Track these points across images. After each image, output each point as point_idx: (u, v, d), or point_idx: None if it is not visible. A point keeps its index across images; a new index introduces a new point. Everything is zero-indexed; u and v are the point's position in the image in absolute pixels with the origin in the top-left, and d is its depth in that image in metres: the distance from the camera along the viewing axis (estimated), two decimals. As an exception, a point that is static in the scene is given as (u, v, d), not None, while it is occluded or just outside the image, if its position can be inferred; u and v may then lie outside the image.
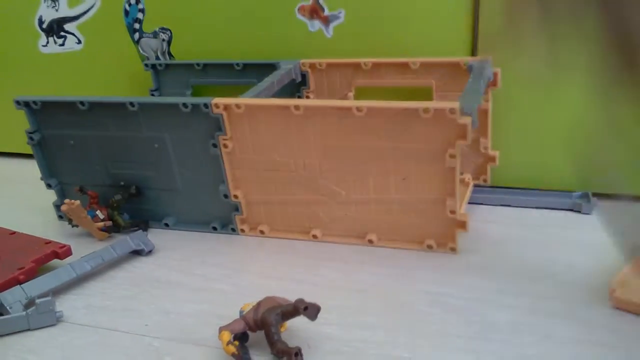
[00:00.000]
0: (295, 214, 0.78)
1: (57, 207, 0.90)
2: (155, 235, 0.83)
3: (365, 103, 0.68)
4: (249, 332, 0.58)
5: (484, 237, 0.76)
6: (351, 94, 0.90)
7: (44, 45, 1.09)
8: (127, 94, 1.06)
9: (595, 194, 0.83)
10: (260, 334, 0.57)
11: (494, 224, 0.80)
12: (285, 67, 0.88)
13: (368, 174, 0.72)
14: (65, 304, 0.69)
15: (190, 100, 0.75)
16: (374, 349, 0.58)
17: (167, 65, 0.99)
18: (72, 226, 0.83)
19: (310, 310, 0.56)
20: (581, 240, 0.74)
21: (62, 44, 1.07)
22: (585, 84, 0.52)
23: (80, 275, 0.72)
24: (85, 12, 1.04)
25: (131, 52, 1.03)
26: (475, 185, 0.87)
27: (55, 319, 0.65)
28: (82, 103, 0.79)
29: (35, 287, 0.68)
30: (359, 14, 0.87)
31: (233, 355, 0.55)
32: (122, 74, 1.06)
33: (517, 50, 0.51)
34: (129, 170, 0.83)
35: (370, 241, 0.76)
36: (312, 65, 0.90)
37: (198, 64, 0.96)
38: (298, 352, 0.54)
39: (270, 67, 0.90)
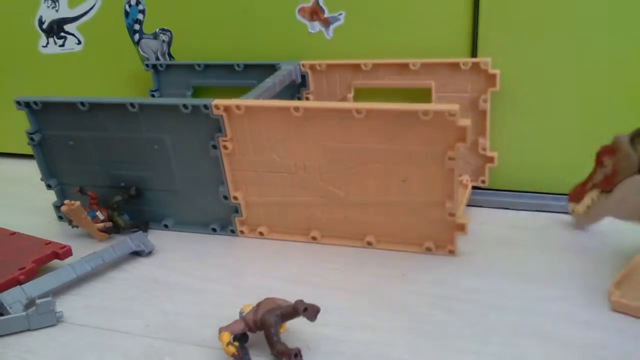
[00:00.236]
0: (294, 216, 0.79)
1: (57, 207, 0.90)
2: (155, 236, 0.83)
3: (365, 105, 0.68)
4: (248, 333, 0.58)
5: (483, 239, 0.76)
6: (351, 95, 0.90)
7: (44, 46, 1.09)
8: (127, 94, 1.06)
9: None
10: (260, 334, 0.57)
11: (493, 227, 0.80)
12: (286, 68, 0.88)
13: (367, 176, 0.72)
14: (65, 305, 0.69)
15: (191, 101, 0.75)
16: (373, 350, 0.58)
17: (168, 66, 0.99)
18: (72, 227, 0.83)
19: (310, 312, 0.56)
20: (580, 243, 0.74)
21: (62, 45, 1.07)
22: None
23: (80, 275, 0.72)
24: (85, 13, 1.04)
25: (131, 53, 1.03)
26: (474, 187, 0.88)
27: (55, 320, 0.65)
28: (82, 104, 0.79)
29: (35, 287, 0.68)
30: (359, 15, 0.87)
31: (233, 355, 0.55)
32: (122, 75, 1.06)
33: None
34: (129, 171, 0.83)
35: (370, 243, 0.76)
36: (312, 67, 0.90)
37: (199, 65, 0.96)
38: (297, 353, 0.54)
39: (271, 68, 0.90)
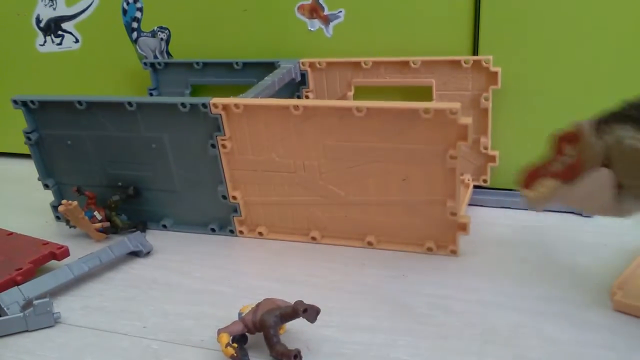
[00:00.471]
0: (294, 215, 0.78)
1: (55, 207, 0.89)
2: (153, 237, 0.83)
3: (365, 103, 0.68)
4: (247, 334, 0.58)
5: (485, 239, 0.76)
6: (350, 94, 0.89)
7: (41, 45, 1.08)
8: (125, 93, 1.06)
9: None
10: (259, 336, 0.57)
11: (495, 226, 0.79)
12: (285, 66, 0.87)
13: (368, 175, 0.72)
14: (62, 305, 0.69)
15: (189, 100, 0.75)
16: (373, 351, 0.57)
17: (166, 64, 0.98)
18: (70, 227, 0.83)
19: (310, 313, 0.55)
20: (582, 243, 0.74)
21: (60, 43, 1.07)
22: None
23: (78, 276, 0.72)
24: (83, 11, 1.03)
25: (129, 51, 1.03)
26: (476, 187, 0.87)
27: (52, 320, 0.65)
28: (79, 103, 0.79)
29: (32, 288, 0.67)
30: (359, 13, 0.87)
31: (232, 357, 0.55)
32: (120, 74, 1.05)
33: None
34: (127, 171, 0.82)
35: (370, 243, 0.75)
36: (311, 65, 0.90)
37: (197, 63, 0.96)
38: (297, 355, 0.54)
39: (270, 66, 0.89)
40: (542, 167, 0.63)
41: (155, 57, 1.02)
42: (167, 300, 0.68)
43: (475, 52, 0.82)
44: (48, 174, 0.87)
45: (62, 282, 0.70)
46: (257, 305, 0.58)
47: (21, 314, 0.64)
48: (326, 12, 0.89)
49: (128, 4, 0.99)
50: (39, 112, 0.82)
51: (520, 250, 0.73)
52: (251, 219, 0.81)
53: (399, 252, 0.74)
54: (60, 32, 1.06)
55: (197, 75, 0.97)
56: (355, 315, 0.63)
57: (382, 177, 0.71)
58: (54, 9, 1.04)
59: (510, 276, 0.67)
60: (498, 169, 0.86)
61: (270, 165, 0.75)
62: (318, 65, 0.89)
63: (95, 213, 0.81)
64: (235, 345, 0.56)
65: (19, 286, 0.67)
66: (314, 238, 0.78)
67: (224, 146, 0.75)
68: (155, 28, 1.00)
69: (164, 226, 0.84)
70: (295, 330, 0.60)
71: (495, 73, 0.80)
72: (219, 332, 0.56)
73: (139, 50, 1.02)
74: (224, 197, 0.79)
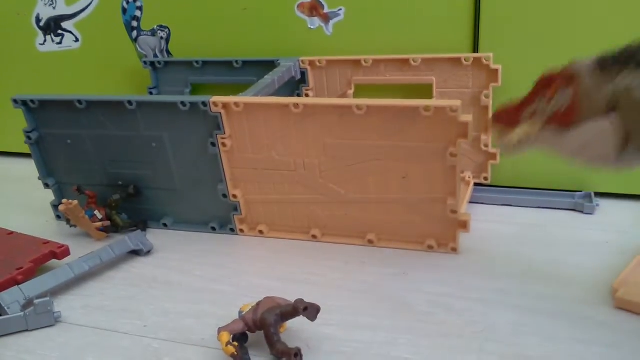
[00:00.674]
0: (294, 214, 0.78)
1: (55, 207, 0.89)
2: (154, 236, 0.82)
3: (365, 101, 0.67)
4: (248, 332, 0.58)
5: (485, 237, 0.75)
6: (351, 92, 0.89)
7: (41, 44, 1.08)
8: (125, 92, 1.06)
9: (597, 194, 0.83)
10: (260, 334, 0.57)
11: (495, 224, 0.79)
12: (285, 64, 0.87)
13: (368, 173, 0.72)
14: (63, 305, 0.68)
15: (189, 98, 0.74)
16: (374, 349, 0.57)
17: (166, 63, 0.98)
18: (70, 226, 0.83)
19: (310, 311, 0.55)
20: (583, 241, 0.73)
21: (60, 42, 1.07)
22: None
23: (78, 275, 0.72)
24: (82, 10, 1.03)
25: (129, 50, 1.03)
26: (476, 184, 0.87)
27: (53, 320, 0.65)
28: (79, 102, 0.79)
29: (33, 287, 0.67)
30: (359, 11, 0.87)
31: (232, 355, 0.55)
32: (120, 72, 1.05)
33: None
34: (127, 170, 0.82)
35: (370, 241, 0.75)
36: (311, 63, 0.90)
37: (197, 62, 0.96)
38: (298, 353, 0.54)
39: (270, 65, 0.89)
40: (522, 104, 0.55)
41: (155, 55, 1.02)
42: (168, 299, 0.68)
43: (475, 49, 0.82)
44: (48, 173, 0.87)
45: (63, 281, 0.70)
46: (258, 304, 0.58)
47: (22, 313, 0.64)
48: (326, 10, 0.88)
49: (128, 2, 0.99)
50: (39, 111, 0.82)
51: (521, 248, 0.73)
52: (251, 218, 0.81)
53: (400, 250, 0.74)
54: (60, 31, 1.06)
55: (197, 74, 0.97)
56: (355, 313, 0.63)
57: (382, 175, 0.71)
58: (54, 8, 1.04)
59: (511, 274, 0.67)
60: (499, 166, 0.86)
61: (270, 164, 0.75)
62: (318, 64, 0.89)
63: (96, 212, 0.81)
64: (235, 343, 0.56)
65: (20, 285, 0.67)
66: (314, 236, 0.78)
67: (224, 145, 0.75)
68: (155, 27, 1.00)
69: (165, 225, 0.84)
70: (296, 329, 0.60)
71: (496, 70, 0.80)
72: (220, 330, 0.56)
73: (139, 49, 1.02)
74: (225, 196, 0.79)
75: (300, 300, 0.55)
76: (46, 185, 0.87)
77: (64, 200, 0.77)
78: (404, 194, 0.71)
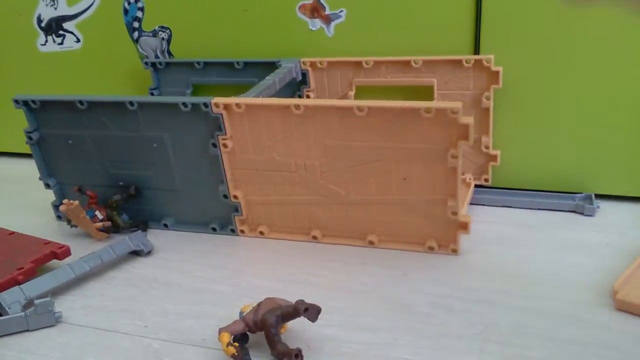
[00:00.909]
0: (295, 215, 0.78)
1: (56, 207, 0.89)
2: (155, 236, 0.83)
3: (366, 103, 0.67)
4: (248, 333, 0.58)
5: (486, 238, 0.76)
6: (352, 93, 0.89)
7: (42, 44, 1.09)
8: (126, 93, 1.06)
9: (598, 196, 0.83)
10: (260, 335, 0.57)
11: (496, 225, 0.79)
12: (286, 65, 0.87)
13: (369, 174, 0.72)
14: (64, 305, 0.69)
15: (190, 99, 0.75)
16: (374, 350, 0.57)
17: (167, 64, 0.98)
18: (71, 226, 0.83)
19: (311, 312, 0.55)
20: (584, 242, 0.73)
21: (61, 43, 1.07)
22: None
23: (79, 275, 0.72)
24: (84, 11, 1.03)
25: (130, 51, 1.03)
26: (477, 186, 0.87)
27: (54, 320, 0.65)
28: (81, 102, 0.79)
29: (34, 287, 0.67)
30: (360, 12, 0.87)
31: (233, 356, 0.55)
32: (121, 73, 1.05)
33: None
34: (128, 170, 0.82)
35: (371, 242, 0.75)
36: (312, 64, 0.90)
37: (198, 63, 0.96)
38: (298, 354, 0.54)
39: (271, 66, 0.89)
40: None
41: (157, 56, 1.02)
42: (168, 300, 0.68)
43: (476, 51, 0.82)
44: (49, 174, 0.87)
45: (63, 281, 0.70)
46: (258, 305, 0.58)
47: (22, 314, 0.64)
48: (327, 12, 0.88)
49: (129, 3, 0.99)
50: (40, 111, 0.82)
51: (522, 250, 0.73)
52: (252, 219, 0.81)
53: (400, 251, 0.74)
54: (61, 32, 1.06)
55: (198, 75, 0.97)
56: (356, 314, 0.63)
57: (383, 176, 0.71)
58: (55, 8, 1.04)
59: (511, 275, 0.67)
60: (499, 168, 0.86)
61: (271, 165, 0.75)
62: (319, 65, 0.89)
63: (97, 212, 0.82)
64: (236, 344, 0.56)
65: (20, 285, 0.67)
66: (315, 237, 0.78)
67: (225, 145, 0.75)
68: (157, 28, 1.00)
69: (165, 225, 0.84)
70: (297, 330, 0.60)
71: (497, 72, 0.80)
72: (220, 331, 0.56)
73: (140, 50, 1.02)
74: (225, 197, 0.79)
75: (301, 301, 0.55)
76: (47, 186, 0.87)
77: (65, 201, 0.77)
78: (404, 195, 0.71)
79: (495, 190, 0.86)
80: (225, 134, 0.74)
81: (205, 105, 0.73)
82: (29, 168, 0.91)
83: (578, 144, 0.82)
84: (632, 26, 0.74)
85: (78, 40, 1.06)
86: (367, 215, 0.74)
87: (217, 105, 0.73)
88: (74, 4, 1.03)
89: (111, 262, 0.76)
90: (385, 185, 0.72)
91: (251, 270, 0.73)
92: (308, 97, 0.91)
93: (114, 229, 0.83)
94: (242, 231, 0.81)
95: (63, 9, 1.04)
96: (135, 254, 0.78)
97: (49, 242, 0.76)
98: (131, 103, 0.77)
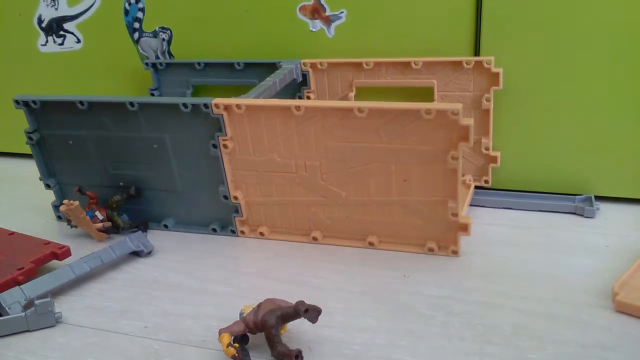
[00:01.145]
0: (295, 216, 0.78)
1: (56, 207, 0.89)
2: (155, 237, 0.83)
3: (366, 104, 0.68)
4: (249, 334, 0.58)
5: (486, 239, 0.76)
6: (352, 94, 0.89)
7: (43, 45, 1.09)
8: (127, 93, 1.06)
9: (598, 198, 0.83)
10: (261, 335, 0.57)
11: (496, 227, 0.79)
12: (286, 66, 0.87)
13: (369, 176, 0.72)
14: (64, 305, 0.69)
15: (191, 100, 0.75)
16: (374, 351, 0.57)
17: (168, 65, 0.98)
18: (71, 227, 0.83)
19: (311, 313, 0.55)
20: (584, 244, 0.74)
21: (62, 43, 1.07)
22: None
23: (79, 276, 0.72)
24: (84, 11, 1.03)
25: (131, 51, 1.03)
26: (477, 187, 0.87)
27: (54, 320, 0.65)
28: (81, 103, 0.79)
29: (34, 288, 0.67)
30: (361, 13, 0.87)
31: (233, 357, 0.55)
32: (121, 74, 1.05)
33: None
34: (129, 171, 0.82)
35: (371, 243, 0.75)
36: (313, 65, 0.90)
37: (199, 64, 0.96)
38: (298, 355, 0.54)
39: (271, 67, 0.89)
40: None
41: (157, 57, 1.02)
42: (169, 300, 0.68)
43: (476, 52, 0.82)
44: (49, 174, 0.87)
45: (64, 281, 0.70)
46: (259, 306, 0.58)
47: (22, 314, 0.64)
48: (328, 13, 0.89)
49: (130, 4, 0.99)
50: (40, 112, 0.82)
51: (522, 251, 0.73)
52: (252, 219, 0.81)
53: (400, 253, 0.74)
54: (62, 32, 1.06)
55: (198, 76, 0.97)
56: (356, 315, 0.63)
57: (383, 177, 0.71)
58: (56, 9, 1.04)
59: (512, 277, 0.67)
60: (499, 169, 0.86)
61: (271, 166, 0.75)
62: (319, 66, 0.89)
63: (97, 213, 0.82)
64: (236, 345, 0.56)
65: (21, 286, 0.67)
66: (315, 238, 0.78)
67: (225, 146, 0.75)
68: (157, 28, 1.00)
69: (166, 226, 0.84)
70: (297, 331, 0.60)
71: (497, 74, 0.80)
72: (220, 332, 0.56)
73: (141, 51, 1.02)
74: (226, 198, 0.79)
75: (301, 302, 0.55)
76: (47, 186, 0.87)
77: (65, 201, 0.77)
78: (404, 197, 0.71)
79: (496, 192, 0.86)
80: (226, 135, 0.74)
81: (206, 106, 0.73)
82: (29, 168, 0.91)
83: (578, 146, 0.82)
84: (632, 26, 0.75)
85: (78, 41, 1.06)
86: (367, 216, 0.74)
87: (217, 106, 0.73)
88: (75, 4, 1.03)
89: (111, 263, 0.76)
90: (386, 187, 0.72)
91: (251, 271, 0.73)
92: (308, 98, 0.92)
93: (114, 229, 0.83)
94: (242, 232, 0.81)
95: (64, 10, 1.04)
96: (136, 254, 0.78)
97: (49, 243, 0.76)
98: (131, 104, 0.77)
